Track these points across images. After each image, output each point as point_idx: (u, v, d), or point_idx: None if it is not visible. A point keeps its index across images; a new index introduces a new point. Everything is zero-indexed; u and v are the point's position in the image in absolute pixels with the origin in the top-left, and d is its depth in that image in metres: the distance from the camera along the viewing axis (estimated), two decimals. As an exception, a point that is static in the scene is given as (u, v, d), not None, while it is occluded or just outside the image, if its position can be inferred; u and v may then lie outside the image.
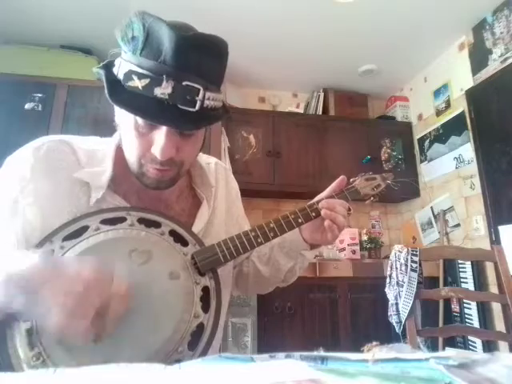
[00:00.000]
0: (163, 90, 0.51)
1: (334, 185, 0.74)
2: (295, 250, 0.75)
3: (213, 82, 0.57)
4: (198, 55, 0.54)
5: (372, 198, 0.78)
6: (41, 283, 0.43)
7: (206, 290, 0.56)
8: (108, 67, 0.58)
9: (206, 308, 0.55)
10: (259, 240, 0.64)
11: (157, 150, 0.55)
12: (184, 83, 0.52)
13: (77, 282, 0.43)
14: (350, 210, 0.69)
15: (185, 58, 0.52)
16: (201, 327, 0.53)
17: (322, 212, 0.67)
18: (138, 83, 0.52)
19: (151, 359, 0.48)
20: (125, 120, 0.58)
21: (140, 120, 0.55)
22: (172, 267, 0.55)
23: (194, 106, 0.53)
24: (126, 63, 0.54)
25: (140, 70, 0.52)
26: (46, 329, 0.45)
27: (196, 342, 0.52)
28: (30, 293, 0.43)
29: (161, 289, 0.53)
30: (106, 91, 0.53)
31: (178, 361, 0.49)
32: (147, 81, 0.52)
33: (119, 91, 0.53)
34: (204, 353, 0.52)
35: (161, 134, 0.55)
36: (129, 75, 0.53)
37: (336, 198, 0.71)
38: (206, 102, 0.55)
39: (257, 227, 0.65)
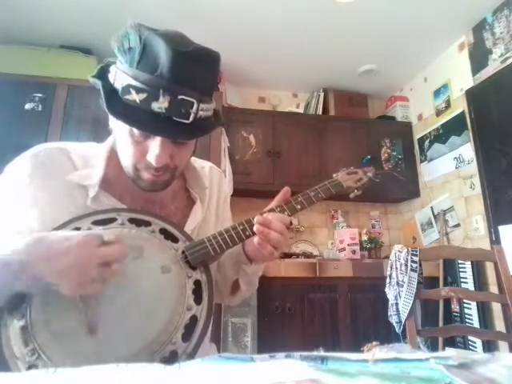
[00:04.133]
0: (160, 105, 0.54)
1: (278, 197, 0.70)
2: (239, 263, 0.73)
3: (206, 94, 0.59)
4: (193, 69, 0.56)
5: (355, 191, 0.78)
6: (37, 262, 0.46)
7: (197, 283, 0.58)
8: (103, 74, 0.59)
9: (198, 301, 0.56)
10: (247, 233, 0.64)
11: (152, 157, 0.58)
12: (179, 97, 0.55)
13: (71, 252, 0.47)
14: (291, 224, 0.66)
15: (180, 72, 0.55)
16: (194, 319, 0.54)
17: (255, 228, 0.61)
18: (135, 97, 0.54)
19: (145, 350, 0.49)
20: (120, 127, 0.60)
21: (136, 129, 0.57)
22: (164, 261, 0.56)
23: (188, 118, 0.56)
24: (122, 74, 0.56)
25: (137, 84, 0.54)
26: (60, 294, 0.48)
27: (190, 334, 0.53)
28: (28, 274, 0.46)
29: (153, 282, 0.54)
30: (103, 103, 0.55)
31: (173, 352, 0.50)
32: (144, 95, 0.54)
33: (117, 103, 0.55)
34: (198, 344, 0.53)
35: (156, 143, 0.58)
36: (127, 89, 0.54)
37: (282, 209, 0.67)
38: (200, 113, 0.58)
39: (244, 221, 0.65)
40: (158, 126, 0.55)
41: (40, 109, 2.30)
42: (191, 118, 0.56)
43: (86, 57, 2.53)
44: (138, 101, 0.54)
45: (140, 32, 0.55)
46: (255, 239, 0.62)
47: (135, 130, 0.57)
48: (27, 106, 2.29)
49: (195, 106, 0.56)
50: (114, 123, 0.63)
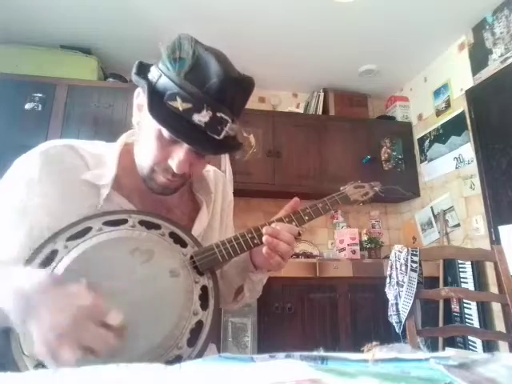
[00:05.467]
0: (201, 118, 0.57)
1: (287, 207, 0.71)
2: (245, 270, 0.73)
3: (237, 116, 0.63)
4: (235, 92, 0.61)
5: (361, 204, 0.82)
6: (30, 308, 0.43)
7: (204, 289, 0.58)
8: (144, 72, 0.61)
9: (204, 306, 0.56)
10: (255, 241, 0.64)
11: (174, 163, 0.60)
12: (218, 114, 0.58)
13: (64, 313, 0.42)
14: (299, 234, 0.67)
15: (225, 93, 0.58)
16: (200, 324, 0.54)
17: (263, 238, 0.63)
18: (179, 105, 0.56)
19: (151, 353, 0.49)
20: (148, 127, 0.61)
21: (166, 133, 0.59)
22: (172, 266, 0.57)
23: (219, 135, 0.59)
24: (167, 79, 0.58)
25: (183, 93, 0.56)
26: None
27: (195, 339, 0.53)
28: (20, 317, 0.44)
29: (162, 286, 0.55)
30: (147, 105, 0.57)
31: (178, 356, 0.51)
32: (189, 105, 0.56)
33: (158, 106, 0.57)
34: (203, 350, 0.53)
35: (181, 150, 0.60)
36: (173, 96, 0.57)
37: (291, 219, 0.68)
38: (229, 132, 0.61)
39: (253, 229, 0.65)
40: (194, 137, 0.58)
41: (40, 109, 2.30)
42: (222, 136, 0.59)
43: (86, 57, 2.53)
44: (181, 109, 0.56)
45: (195, 47, 0.59)
46: (263, 249, 0.63)
47: (165, 134, 0.59)
48: (27, 106, 2.29)
49: (228, 125, 0.59)
50: (142, 122, 0.64)
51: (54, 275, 0.50)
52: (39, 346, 0.41)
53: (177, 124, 0.56)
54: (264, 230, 0.63)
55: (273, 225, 0.65)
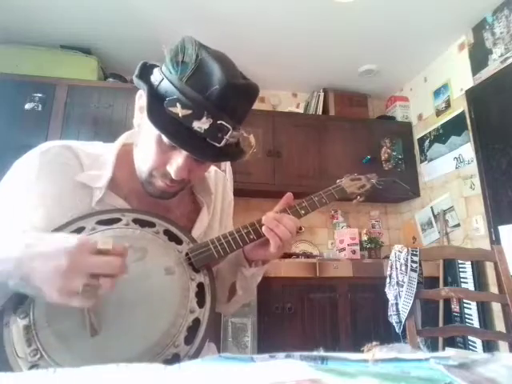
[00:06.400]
0: (201, 125, 0.56)
1: (281, 203, 0.71)
2: (237, 265, 0.72)
3: (240, 123, 0.62)
4: (237, 100, 0.60)
5: (358, 197, 0.79)
6: (27, 263, 0.45)
7: (200, 286, 0.58)
8: (146, 75, 0.60)
9: (201, 303, 0.55)
10: (251, 236, 0.64)
11: (172, 169, 0.60)
12: (219, 122, 0.57)
13: (59, 257, 0.44)
14: (301, 228, 0.66)
15: (227, 101, 0.57)
16: (197, 322, 0.54)
17: (263, 218, 0.64)
18: (179, 111, 0.55)
19: (147, 353, 0.48)
20: (148, 130, 0.60)
21: (166, 139, 0.58)
22: (167, 263, 0.56)
23: (220, 142, 0.58)
24: (168, 83, 0.57)
25: (184, 99, 0.55)
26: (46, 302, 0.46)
27: (193, 337, 0.53)
28: (18, 273, 0.45)
29: (157, 284, 0.54)
30: (146, 110, 0.56)
31: (176, 355, 0.50)
32: (189, 112, 0.55)
33: (158, 111, 0.56)
34: (200, 348, 0.53)
35: (180, 156, 0.59)
36: (173, 102, 0.55)
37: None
38: (230, 140, 0.60)
39: (248, 224, 0.65)
40: (193, 144, 0.57)
41: (40, 109, 2.30)
42: (222, 143, 0.58)
43: (86, 57, 2.53)
44: (180, 115, 0.55)
45: (199, 51, 0.57)
46: (263, 228, 0.63)
47: (165, 139, 0.58)
48: (27, 106, 2.29)
49: (229, 133, 0.58)
50: (142, 124, 0.63)
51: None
52: (51, 291, 0.43)
53: (176, 130, 0.55)
54: (266, 214, 0.63)
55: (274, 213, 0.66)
